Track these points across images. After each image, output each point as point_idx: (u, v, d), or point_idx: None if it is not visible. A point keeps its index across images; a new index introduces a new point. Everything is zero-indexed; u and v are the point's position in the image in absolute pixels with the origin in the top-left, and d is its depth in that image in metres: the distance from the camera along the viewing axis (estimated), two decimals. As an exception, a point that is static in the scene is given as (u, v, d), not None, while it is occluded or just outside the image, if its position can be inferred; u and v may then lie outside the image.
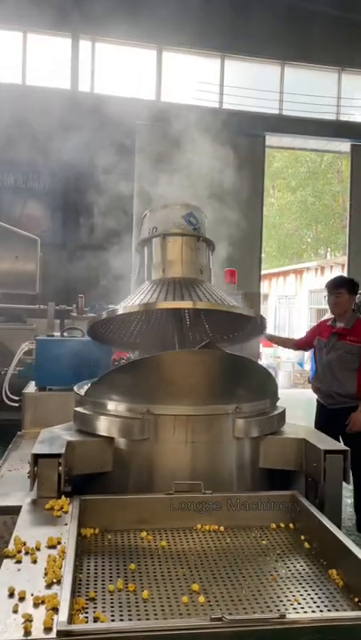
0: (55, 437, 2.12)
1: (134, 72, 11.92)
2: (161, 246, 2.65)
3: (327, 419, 3.95)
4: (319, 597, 1.53)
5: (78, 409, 2.27)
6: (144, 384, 2.12)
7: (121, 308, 2.53)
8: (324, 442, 2.18)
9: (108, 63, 11.83)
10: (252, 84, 12.34)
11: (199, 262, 2.68)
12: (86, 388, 2.36)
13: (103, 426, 2.13)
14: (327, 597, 1.53)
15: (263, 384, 2.34)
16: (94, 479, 2.10)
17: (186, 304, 2.50)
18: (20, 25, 11.17)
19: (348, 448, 2.12)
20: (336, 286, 4.01)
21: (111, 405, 2.15)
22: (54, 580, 1.44)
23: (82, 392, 2.34)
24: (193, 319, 2.98)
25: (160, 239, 2.66)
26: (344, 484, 2.09)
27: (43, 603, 1.33)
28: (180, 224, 2.67)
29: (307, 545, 1.83)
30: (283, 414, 2.35)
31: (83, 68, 11.57)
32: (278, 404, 2.42)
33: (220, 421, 2.11)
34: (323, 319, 4.54)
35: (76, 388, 2.44)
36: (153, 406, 2.06)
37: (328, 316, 4.71)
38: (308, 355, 15.95)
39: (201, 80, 12.15)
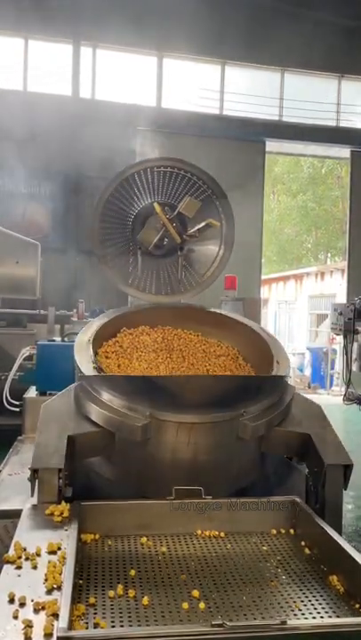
0: (55, 440, 2.02)
1: (135, 78, 11.97)
2: None
3: None
4: (320, 603, 1.53)
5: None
6: (147, 395, 2.08)
7: None
8: (327, 447, 2.13)
9: (109, 69, 11.88)
10: (253, 90, 12.40)
11: None
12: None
13: (107, 421, 2.06)
14: (328, 603, 1.53)
15: (270, 387, 2.26)
16: (96, 482, 2.10)
17: None
18: (21, 31, 11.24)
19: (351, 463, 2.07)
20: None
21: (115, 403, 2.08)
22: (54, 586, 1.43)
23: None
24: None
25: None
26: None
27: (43, 608, 1.33)
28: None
29: (307, 551, 1.82)
30: (289, 405, 2.25)
31: (84, 74, 11.63)
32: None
33: (224, 426, 2.07)
34: None
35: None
36: (156, 412, 2.03)
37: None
38: (308, 360, 15.96)
39: (202, 86, 12.21)
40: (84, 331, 2.52)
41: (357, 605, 1.51)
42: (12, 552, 1.59)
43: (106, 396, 2.08)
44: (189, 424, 2.02)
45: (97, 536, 1.86)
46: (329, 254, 28.43)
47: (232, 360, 2.66)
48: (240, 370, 2.60)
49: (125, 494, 2.07)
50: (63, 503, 1.89)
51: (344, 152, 13.76)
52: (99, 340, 2.48)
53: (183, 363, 2.58)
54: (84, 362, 2.27)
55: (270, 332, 2.79)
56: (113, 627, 1.38)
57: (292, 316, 21.23)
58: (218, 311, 2.97)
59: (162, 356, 2.57)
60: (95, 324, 2.57)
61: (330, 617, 1.47)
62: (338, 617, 1.47)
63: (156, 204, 3.37)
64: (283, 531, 1.95)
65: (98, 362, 2.30)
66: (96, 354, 2.38)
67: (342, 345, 8.85)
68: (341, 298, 13.81)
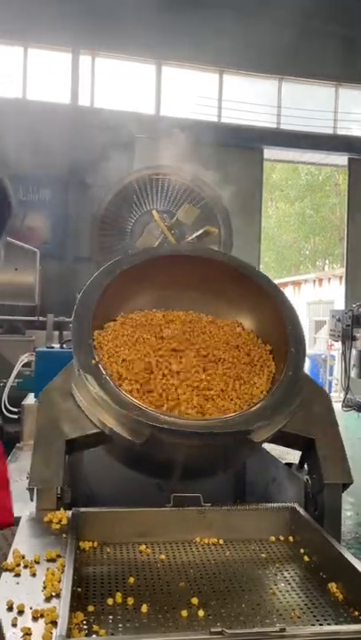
0: (52, 454, 1.96)
1: (134, 86, 12.05)
2: None
3: None
4: (319, 611, 1.52)
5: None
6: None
7: None
8: (330, 460, 2.05)
9: (108, 77, 11.96)
10: (251, 98, 12.49)
11: None
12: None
13: (104, 427, 1.96)
14: (327, 611, 1.52)
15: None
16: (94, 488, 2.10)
17: None
18: (20, 40, 11.32)
19: (351, 481, 2.03)
20: None
21: (117, 409, 1.93)
22: (53, 594, 1.43)
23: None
24: None
25: None
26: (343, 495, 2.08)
27: (42, 616, 1.33)
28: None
29: (306, 558, 1.82)
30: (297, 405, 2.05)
31: (83, 82, 11.71)
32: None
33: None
34: None
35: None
36: (157, 433, 1.88)
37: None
38: (306, 366, 15.98)
39: (200, 94, 12.29)
40: (84, 301, 2.18)
41: (357, 613, 1.50)
42: (10, 560, 1.59)
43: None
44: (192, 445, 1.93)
45: (95, 543, 1.86)
46: (327, 261, 28.52)
47: (252, 346, 2.27)
48: (256, 367, 2.15)
49: (124, 501, 2.07)
50: (62, 510, 1.88)
51: (342, 159, 13.85)
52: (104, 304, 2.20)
53: (200, 360, 2.13)
54: (82, 351, 2.05)
55: (290, 302, 2.39)
56: (112, 635, 1.38)
57: (291, 322, 21.23)
58: (238, 265, 2.45)
59: (174, 349, 2.14)
60: (96, 295, 2.20)
61: (329, 624, 1.46)
62: (337, 624, 1.47)
63: (154, 212, 3.41)
64: (282, 538, 1.95)
65: (96, 344, 2.09)
66: (95, 330, 2.13)
67: (341, 351, 8.87)
68: (340, 304, 13.84)
